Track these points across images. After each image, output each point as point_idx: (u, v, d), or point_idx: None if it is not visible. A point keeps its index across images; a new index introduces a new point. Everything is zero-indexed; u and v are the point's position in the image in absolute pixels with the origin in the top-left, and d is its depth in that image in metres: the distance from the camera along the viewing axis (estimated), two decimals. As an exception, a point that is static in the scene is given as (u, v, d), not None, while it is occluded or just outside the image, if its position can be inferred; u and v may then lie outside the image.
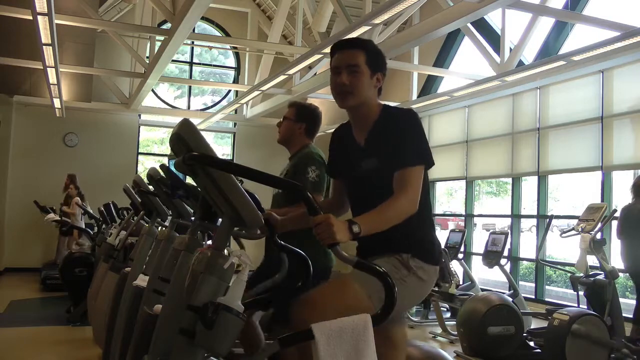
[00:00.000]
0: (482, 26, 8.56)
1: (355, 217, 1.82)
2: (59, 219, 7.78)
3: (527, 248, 8.77)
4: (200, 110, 12.23)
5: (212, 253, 1.66)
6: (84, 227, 8.64)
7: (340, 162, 2.26)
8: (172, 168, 2.45)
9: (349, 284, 1.93)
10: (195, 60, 12.58)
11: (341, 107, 2.13)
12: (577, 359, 4.38)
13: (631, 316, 5.43)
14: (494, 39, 8.24)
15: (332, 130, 2.35)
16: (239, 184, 1.64)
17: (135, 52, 9.65)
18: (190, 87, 12.28)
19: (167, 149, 11.53)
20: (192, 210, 2.68)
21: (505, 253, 6.20)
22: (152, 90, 11.04)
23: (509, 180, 8.87)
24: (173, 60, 10.51)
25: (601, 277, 5.22)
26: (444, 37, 8.93)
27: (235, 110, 11.52)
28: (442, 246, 6.52)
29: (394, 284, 1.58)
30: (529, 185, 8.57)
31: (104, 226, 6.43)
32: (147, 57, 9.85)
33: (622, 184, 7.03)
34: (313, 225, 1.65)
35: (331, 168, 2.36)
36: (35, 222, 9.59)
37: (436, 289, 6.15)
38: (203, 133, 1.68)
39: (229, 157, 11.96)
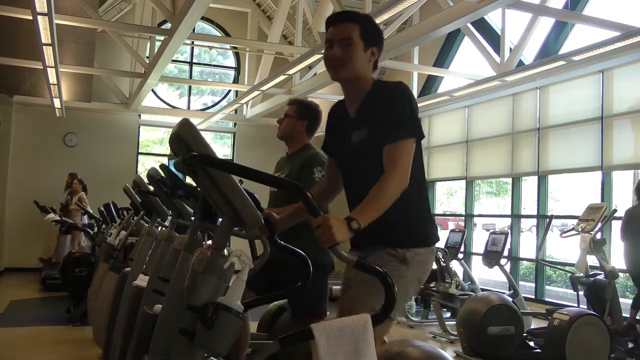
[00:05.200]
0: (482, 26, 8.56)
1: (352, 212, 1.81)
2: (59, 218, 7.77)
3: (527, 248, 8.77)
4: (200, 110, 12.22)
5: (212, 253, 1.66)
6: (86, 223, 8.65)
7: (335, 138, 2.23)
8: (172, 168, 2.44)
9: None
10: (194, 60, 12.57)
11: (333, 79, 2.09)
12: (577, 359, 4.38)
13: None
14: (494, 39, 8.24)
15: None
16: (239, 184, 1.64)
17: (135, 52, 9.63)
18: (190, 87, 12.27)
19: (167, 149, 11.52)
20: (192, 210, 2.68)
21: (505, 253, 6.20)
22: (152, 90, 11.03)
23: (509, 180, 8.87)
24: (173, 60, 10.50)
25: (601, 277, 5.22)
26: (444, 37, 8.93)
27: (235, 110, 11.51)
28: (442, 246, 6.56)
29: (394, 284, 1.58)
30: (529, 185, 8.57)
31: (104, 226, 6.43)
32: (147, 57, 9.85)
33: (622, 184, 7.04)
34: (313, 227, 1.66)
35: (327, 146, 2.30)
36: (35, 222, 9.57)
37: (436, 289, 6.16)
38: (203, 133, 1.68)
39: (229, 157, 11.95)
